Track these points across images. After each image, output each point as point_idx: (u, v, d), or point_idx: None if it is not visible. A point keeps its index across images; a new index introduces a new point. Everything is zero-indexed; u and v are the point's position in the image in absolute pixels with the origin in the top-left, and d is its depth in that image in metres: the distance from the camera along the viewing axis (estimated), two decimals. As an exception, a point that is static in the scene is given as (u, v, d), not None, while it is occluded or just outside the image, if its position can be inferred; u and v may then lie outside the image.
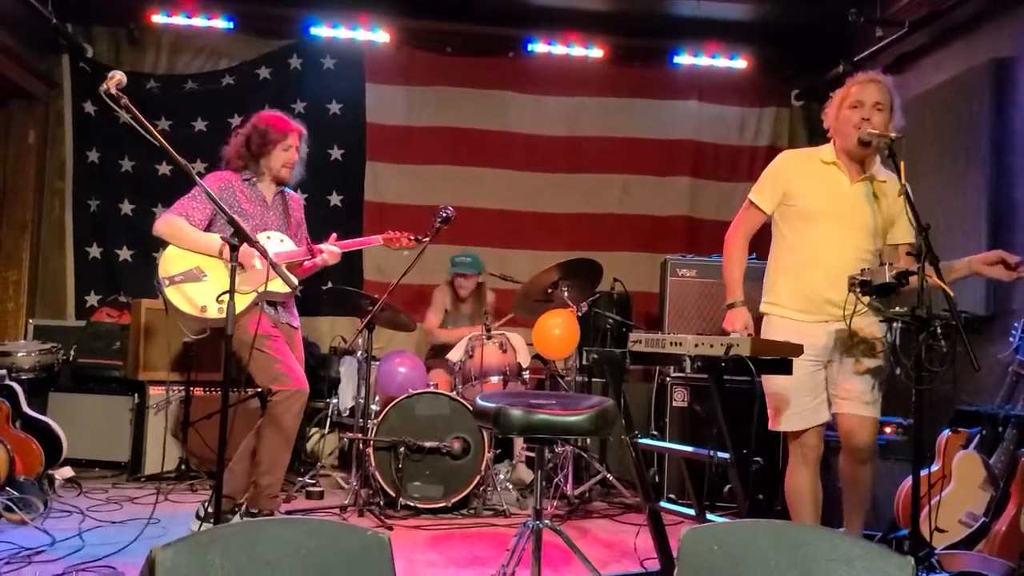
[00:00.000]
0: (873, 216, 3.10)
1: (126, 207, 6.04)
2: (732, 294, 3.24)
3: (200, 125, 6.10)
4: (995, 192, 4.46)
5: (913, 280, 2.67)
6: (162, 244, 3.62)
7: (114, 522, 3.90)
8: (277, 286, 3.48)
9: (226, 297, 3.30)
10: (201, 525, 3.57)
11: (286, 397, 3.52)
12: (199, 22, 5.90)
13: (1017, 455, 3.45)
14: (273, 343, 3.53)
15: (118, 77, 2.76)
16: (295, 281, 3.14)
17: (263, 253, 2.95)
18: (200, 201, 3.60)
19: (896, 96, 3.11)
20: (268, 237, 3.68)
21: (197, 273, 3.53)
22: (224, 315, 3.37)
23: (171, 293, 3.50)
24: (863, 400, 3.05)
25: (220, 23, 5.92)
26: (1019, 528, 3.33)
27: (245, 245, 3.42)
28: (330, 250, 3.76)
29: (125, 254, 6.03)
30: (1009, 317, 4.16)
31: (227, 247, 3.43)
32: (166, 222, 3.59)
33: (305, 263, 3.79)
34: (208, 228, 3.63)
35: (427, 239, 4.12)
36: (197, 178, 2.98)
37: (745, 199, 6.73)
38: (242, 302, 3.45)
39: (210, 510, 3.49)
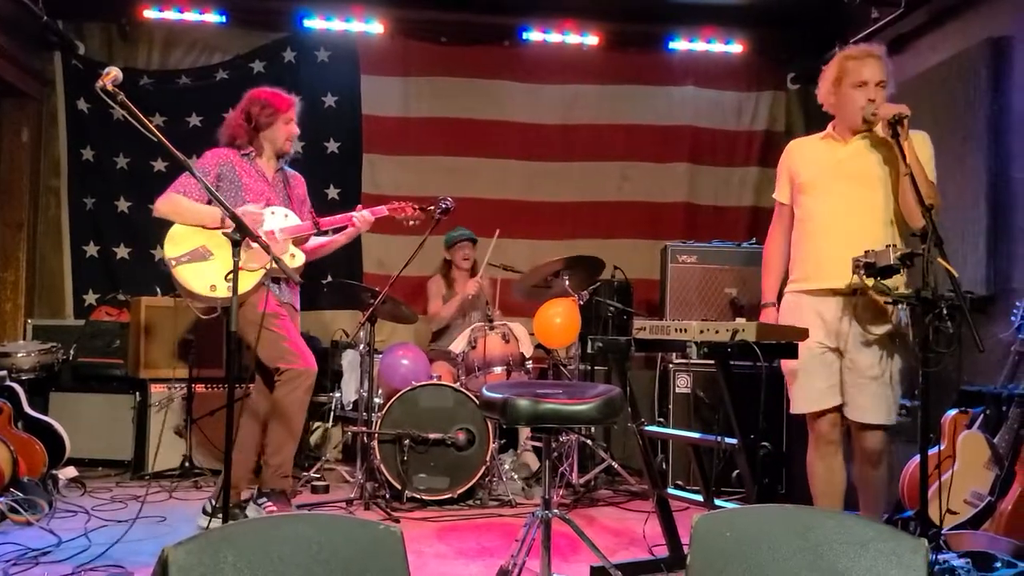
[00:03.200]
0: (874, 170, 3.03)
1: (122, 204, 6.01)
2: (763, 296, 3.29)
3: (195, 120, 6.06)
4: (994, 172, 4.45)
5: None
6: (162, 235, 3.60)
7: (120, 521, 3.89)
8: (286, 262, 3.50)
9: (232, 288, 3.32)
10: (209, 521, 3.58)
11: (294, 376, 3.54)
12: (191, 16, 5.86)
13: (1021, 434, 3.46)
14: (280, 321, 3.56)
15: (114, 73, 2.74)
16: (296, 276, 3.14)
17: (265, 248, 2.93)
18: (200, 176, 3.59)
19: (890, 65, 3.08)
20: (272, 212, 3.68)
21: (203, 252, 3.53)
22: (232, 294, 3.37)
23: (180, 272, 3.50)
24: (871, 408, 3.02)
25: (212, 17, 5.88)
26: (1025, 507, 3.33)
27: (247, 209, 3.42)
28: (363, 217, 3.80)
29: (123, 252, 6.00)
30: (1010, 296, 4.16)
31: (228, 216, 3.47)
32: (165, 200, 3.59)
33: (317, 241, 3.81)
34: (209, 204, 3.62)
35: (432, 208, 4.13)
36: (194, 170, 2.96)
37: (744, 184, 6.81)
38: (250, 279, 3.47)
39: (217, 505, 3.49)
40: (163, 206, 3.59)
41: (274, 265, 3.28)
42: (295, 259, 3.67)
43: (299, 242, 3.74)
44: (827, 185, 3.10)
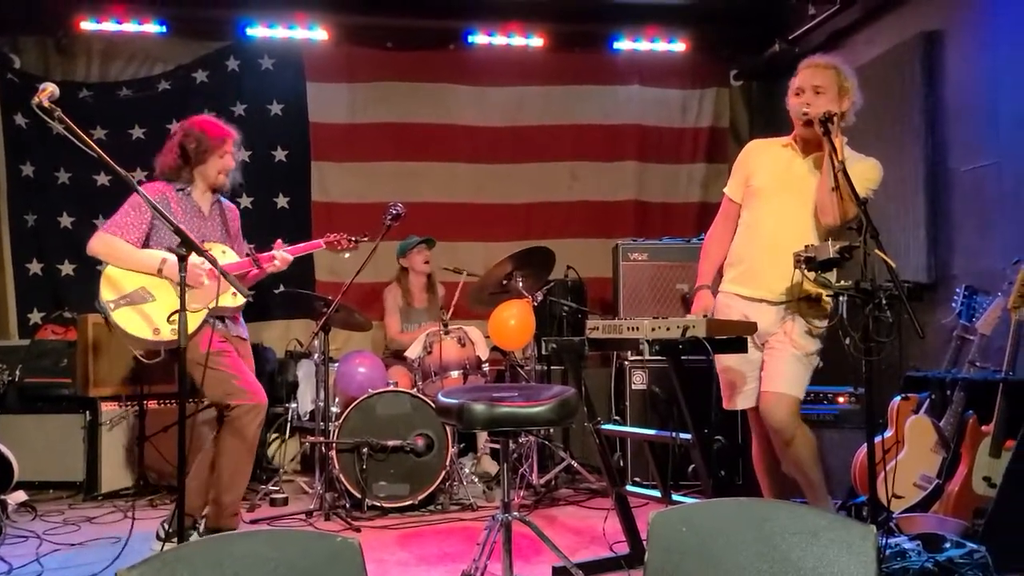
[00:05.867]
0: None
1: (65, 220, 5.87)
2: (699, 279, 3.29)
3: (138, 132, 5.95)
4: (931, 162, 4.57)
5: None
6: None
7: (73, 544, 3.81)
8: (228, 300, 3.41)
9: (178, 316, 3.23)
10: (163, 547, 3.50)
11: (245, 412, 3.44)
12: (130, 27, 5.73)
13: (965, 417, 3.56)
14: (226, 359, 3.45)
15: (50, 89, 2.68)
16: (248, 292, 3.06)
17: (213, 262, 2.90)
18: (134, 217, 3.47)
19: (849, 76, 3.12)
20: (210, 249, 3.51)
21: (143, 294, 3.39)
22: (176, 336, 3.28)
23: (119, 317, 3.35)
24: (776, 377, 3.06)
25: (152, 27, 5.76)
26: (971, 488, 3.44)
27: (191, 262, 3.32)
28: (282, 256, 3.68)
29: (67, 268, 5.87)
30: (951, 283, 4.29)
31: (166, 264, 3.35)
32: (101, 241, 3.45)
33: (250, 272, 3.70)
34: (145, 244, 3.50)
35: (366, 238, 4.06)
36: (139, 188, 2.91)
37: (691, 180, 6.84)
38: (193, 320, 3.33)
39: (171, 530, 3.43)
40: (98, 246, 3.45)
41: (217, 303, 3.25)
42: (236, 298, 3.48)
43: (237, 278, 3.54)
44: (777, 195, 3.14)
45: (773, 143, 3.29)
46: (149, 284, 3.41)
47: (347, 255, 4.03)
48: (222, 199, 3.78)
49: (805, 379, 3.11)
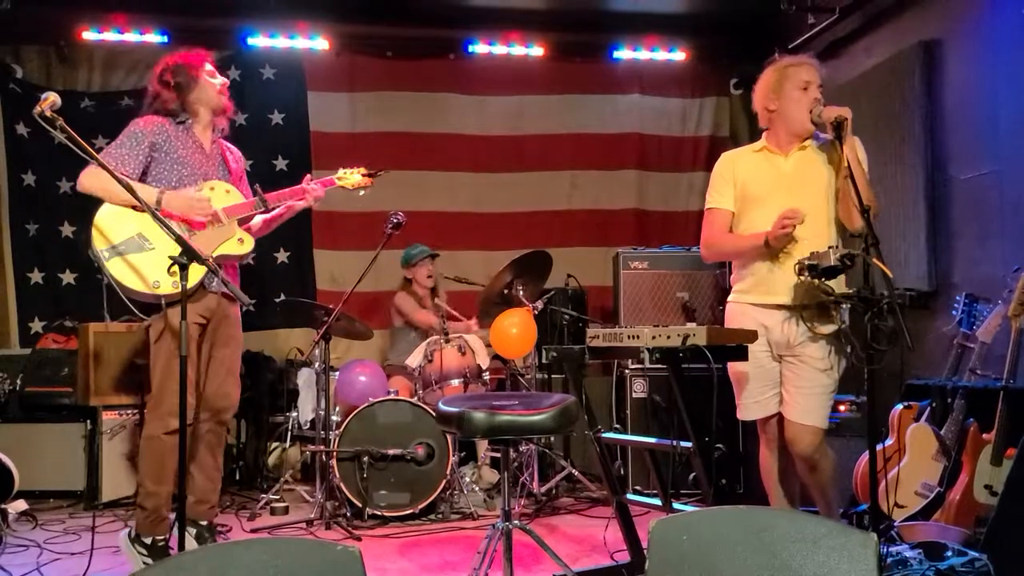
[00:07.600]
0: (817, 181, 3.09)
1: (66, 229, 5.88)
2: (753, 237, 3.08)
3: (139, 142, 5.96)
4: (931, 170, 4.58)
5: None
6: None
7: (73, 553, 3.81)
8: (233, 248, 3.22)
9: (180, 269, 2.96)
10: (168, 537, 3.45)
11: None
12: (131, 37, 5.76)
13: (966, 425, 3.56)
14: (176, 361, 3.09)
15: (52, 99, 2.70)
16: (248, 300, 3.00)
17: (214, 270, 2.89)
18: (131, 147, 3.20)
19: (823, 72, 3.17)
20: (212, 188, 3.30)
21: (140, 241, 3.11)
22: (179, 289, 2.90)
23: (114, 267, 3.06)
24: (805, 408, 3.06)
25: (153, 37, 5.78)
26: (972, 496, 3.43)
27: (191, 195, 3.15)
28: (314, 190, 3.47)
29: (68, 277, 5.88)
30: (951, 291, 4.29)
31: (166, 195, 3.13)
32: (93, 174, 3.11)
33: (262, 215, 3.49)
34: (142, 180, 3.23)
35: (382, 172, 3.88)
36: (147, 204, 2.90)
37: (691, 189, 6.80)
38: (194, 275, 2.92)
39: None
40: (89, 181, 3.14)
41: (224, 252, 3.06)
42: (243, 244, 3.27)
43: (244, 221, 3.36)
44: (773, 200, 3.08)
45: (745, 152, 3.27)
46: (147, 231, 3.12)
47: (362, 192, 3.76)
48: (223, 140, 3.56)
49: (830, 406, 3.14)
